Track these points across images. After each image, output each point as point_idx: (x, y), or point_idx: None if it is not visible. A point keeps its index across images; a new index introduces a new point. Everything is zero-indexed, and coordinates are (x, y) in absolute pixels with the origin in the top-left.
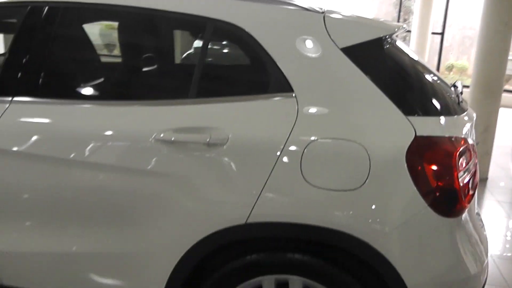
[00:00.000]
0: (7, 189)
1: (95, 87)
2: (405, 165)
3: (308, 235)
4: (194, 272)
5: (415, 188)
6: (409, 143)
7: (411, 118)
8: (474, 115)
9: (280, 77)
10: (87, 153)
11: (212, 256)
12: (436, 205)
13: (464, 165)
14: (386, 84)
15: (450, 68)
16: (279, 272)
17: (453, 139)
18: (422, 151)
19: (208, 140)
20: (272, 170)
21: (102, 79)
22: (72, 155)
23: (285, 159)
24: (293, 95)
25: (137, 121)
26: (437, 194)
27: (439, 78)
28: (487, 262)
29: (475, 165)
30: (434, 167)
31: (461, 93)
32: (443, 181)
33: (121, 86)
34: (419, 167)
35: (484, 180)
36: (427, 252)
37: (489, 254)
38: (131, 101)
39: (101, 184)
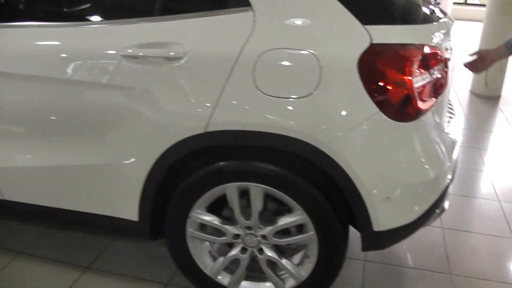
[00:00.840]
0: None
1: (71, 10)
2: (357, 72)
3: (263, 142)
4: (166, 182)
5: (366, 94)
6: (362, 50)
7: (369, 27)
8: (452, 23)
9: None
10: (62, 71)
11: (181, 166)
12: (388, 110)
13: (423, 71)
14: None
15: None
16: (241, 180)
17: (411, 46)
18: (375, 58)
19: (167, 54)
20: (227, 81)
21: (76, 3)
22: (47, 73)
23: (238, 70)
24: (251, 9)
25: (106, 39)
26: (389, 99)
27: None
28: (451, 166)
29: (443, 72)
30: (387, 73)
31: (438, 3)
32: (395, 87)
33: (92, 8)
34: (372, 74)
35: (497, 98)
36: (380, 156)
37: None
38: (101, 21)
39: (75, 99)
